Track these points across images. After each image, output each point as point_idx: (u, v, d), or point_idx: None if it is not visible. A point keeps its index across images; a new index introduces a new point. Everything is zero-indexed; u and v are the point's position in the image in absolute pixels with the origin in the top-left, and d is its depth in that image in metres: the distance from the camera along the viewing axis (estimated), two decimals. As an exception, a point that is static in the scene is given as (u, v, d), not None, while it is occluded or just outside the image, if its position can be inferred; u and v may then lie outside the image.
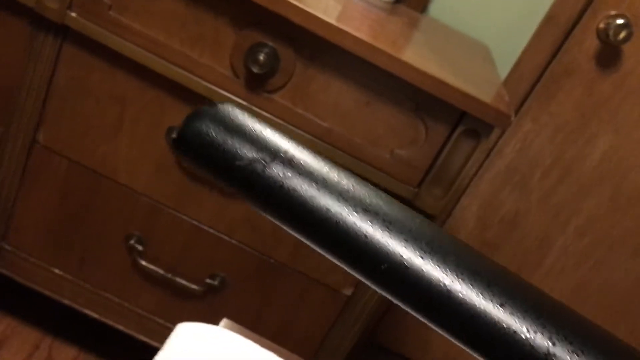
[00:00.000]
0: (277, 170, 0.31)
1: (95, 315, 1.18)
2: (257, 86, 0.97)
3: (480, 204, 1.50)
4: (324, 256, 1.16)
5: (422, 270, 0.29)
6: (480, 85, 1.01)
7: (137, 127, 1.04)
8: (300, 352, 0.93)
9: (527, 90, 1.38)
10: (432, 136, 0.97)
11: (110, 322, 1.18)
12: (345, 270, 1.09)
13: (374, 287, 0.31)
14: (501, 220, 1.51)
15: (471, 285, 0.29)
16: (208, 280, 1.12)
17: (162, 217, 1.09)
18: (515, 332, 0.27)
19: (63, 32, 0.99)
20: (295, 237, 1.06)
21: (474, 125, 0.94)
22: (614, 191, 1.45)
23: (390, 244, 0.30)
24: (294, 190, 0.31)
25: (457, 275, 0.29)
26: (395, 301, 0.30)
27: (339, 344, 1.13)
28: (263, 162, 0.31)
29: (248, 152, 0.32)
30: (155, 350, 1.14)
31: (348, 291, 1.09)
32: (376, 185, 1.05)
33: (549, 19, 1.32)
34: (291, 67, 0.96)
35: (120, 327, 1.18)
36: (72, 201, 1.11)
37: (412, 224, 0.31)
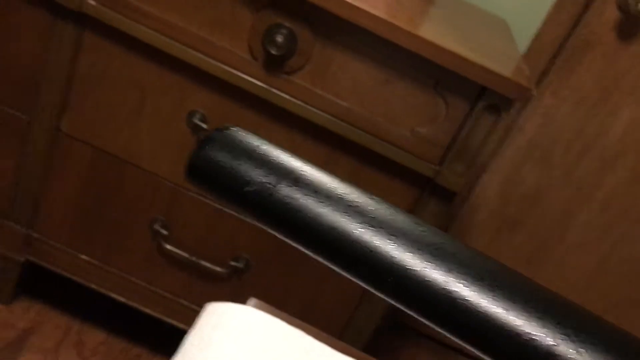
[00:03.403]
0: (283, 193, 0.33)
1: (122, 300, 1.20)
2: (275, 68, 0.97)
3: (501, 180, 1.50)
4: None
5: (427, 280, 0.30)
6: (500, 60, 1.00)
7: (158, 112, 1.04)
8: (326, 332, 0.94)
9: (546, 64, 1.36)
10: (453, 113, 0.96)
11: (137, 306, 1.20)
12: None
13: (383, 297, 0.32)
14: (523, 196, 1.50)
15: (475, 291, 0.30)
16: (232, 263, 1.13)
17: (186, 200, 1.10)
18: (518, 334, 0.29)
19: (82, 19, 0.99)
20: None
21: (495, 100, 0.94)
22: (636, 164, 1.43)
23: (395, 257, 0.31)
24: (300, 211, 0.32)
25: (461, 283, 0.30)
26: (405, 309, 0.32)
27: (364, 323, 1.14)
28: (270, 185, 0.33)
29: (256, 177, 0.33)
30: (182, 333, 1.16)
31: (371, 270, 1.09)
32: (397, 164, 1.05)
33: (568, -10, 1.30)
34: (309, 47, 0.96)
35: (147, 311, 1.20)
36: (96, 188, 1.12)
37: (416, 234, 0.32)
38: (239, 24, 0.96)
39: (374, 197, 0.34)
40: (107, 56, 1.02)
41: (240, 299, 1.14)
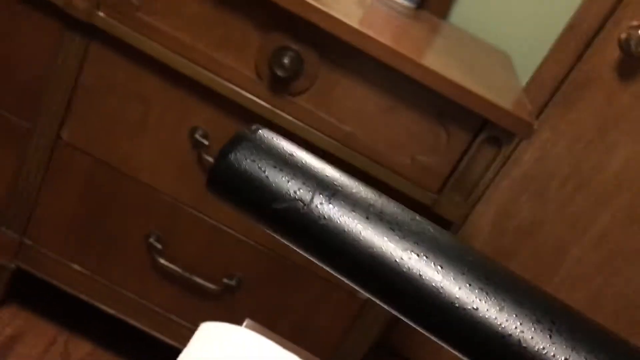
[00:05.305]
0: (317, 211, 0.29)
1: (111, 312, 1.19)
2: (280, 89, 0.98)
3: (496, 211, 1.50)
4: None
5: (477, 321, 0.27)
6: (502, 93, 1.01)
7: (161, 127, 1.05)
8: (316, 355, 0.94)
9: (546, 99, 1.38)
10: (454, 143, 0.97)
11: (126, 319, 1.19)
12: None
13: (427, 334, 0.29)
14: (517, 228, 1.51)
15: (531, 336, 0.26)
16: (225, 280, 1.12)
17: (182, 216, 1.10)
18: None
19: (91, 31, 1.00)
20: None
21: (496, 133, 0.94)
22: (631, 202, 1.44)
23: (442, 292, 0.27)
24: (336, 234, 0.28)
25: (515, 326, 0.27)
26: (452, 349, 0.28)
27: (354, 348, 1.13)
28: (302, 202, 0.29)
29: (285, 191, 0.29)
30: (170, 348, 1.15)
31: (364, 295, 1.09)
32: (396, 190, 1.05)
33: (571, 27, 1.32)
34: (315, 71, 0.96)
35: (137, 324, 1.19)
36: (93, 198, 1.12)
37: (464, 264, 0.28)
38: (247, 44, 0.97)
39: (417, 216, 0.29)
40: (113, 68, 1.02)
41: (232, 317, 1.13)
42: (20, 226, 1.16)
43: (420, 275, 0.28)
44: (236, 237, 1.10)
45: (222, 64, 0.98)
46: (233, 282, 1.12)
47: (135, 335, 1.24)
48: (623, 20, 1.31)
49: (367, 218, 0.28)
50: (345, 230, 0.28)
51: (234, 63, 0.98)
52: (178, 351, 0.67)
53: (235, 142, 0.30)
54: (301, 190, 0.29)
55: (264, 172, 0.29)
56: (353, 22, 0.92)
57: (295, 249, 0.31)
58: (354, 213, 0.29)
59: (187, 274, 1.13)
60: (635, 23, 1.30)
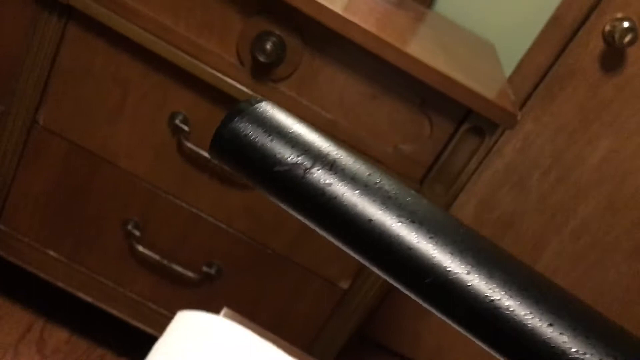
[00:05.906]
0: (317, 176, 0.30)
1: (88, 299, 1.17)
2: (262, 75, 0.96)
3: (477, 202, 1.50)
4: (321, 248, 1.16)
5: (468, 285, 0.28)
6: (486, 83, 1.00)
7: (139, 112, 1.03)
8: (295, 344, 0.93)
9: (529, 90, 1.37)
10: (437, 132, 0.96)
11: (103, 307, 1.18)
12: (343, 263, 1.08)
13: (417, 300, 0.30)
14: (497, 219, 1.51)
15: (519, 302, 0.28)
16: (204, 268, 1.11)
17: (161, 203, 1.08)
18: (563, 352, 0.27)
19: (67, 12, 0.97)
20: (296, 229, 1.05)
21: (479, 123, 0.94)
22: (611, 194, 1.45)
23: (435, 257, 0.29)
24: (335, 198, 0.30)
25: (504, 292, 0.28)
26: (440, 315, 0.29)
27: (334, 337, 1.13)
28: (304, 167, 0.30)
29: (288, 157, 0.31)
30: (147, 336, 1.14)
31: (345, 284, 1.09)
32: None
33: (555, 19, 1.32)
34: (298, 57, 0.95)
35: (114, 312, 1.18)
36: (70, 183, 1.10)
37: (458, 234, 0.29)
38: (228, 28, 0.95)
39: (412, 190, 0.31)
40: (91, 51, 1.00)
41: (210, 305, 1.12)
42: (-5, 211, 1.14)
43: (417, 242, 0.29)
44: (216, 225, 1.08)
45: (203, 49, 0.96)
46: (212, 271, 1.11)
47: (112, 323, 1.22)
48: (607, 12, 1.31)
49: (366, 186, 0.31)
50: (344, 194, 0.30)
51: (215, 47, 0.96)
52: (156, 339, 0.66)
53: (238, 110, 0.32)
54: (303, 156, 0.31)
55: (269, 137, 0.31)
56: (337, 8, 0.90)
57: (294, 214, 0.32)
58: (353, 180, 0.30)
59: (165, 262, 1.11)
60: (619, 15, 1.30)
